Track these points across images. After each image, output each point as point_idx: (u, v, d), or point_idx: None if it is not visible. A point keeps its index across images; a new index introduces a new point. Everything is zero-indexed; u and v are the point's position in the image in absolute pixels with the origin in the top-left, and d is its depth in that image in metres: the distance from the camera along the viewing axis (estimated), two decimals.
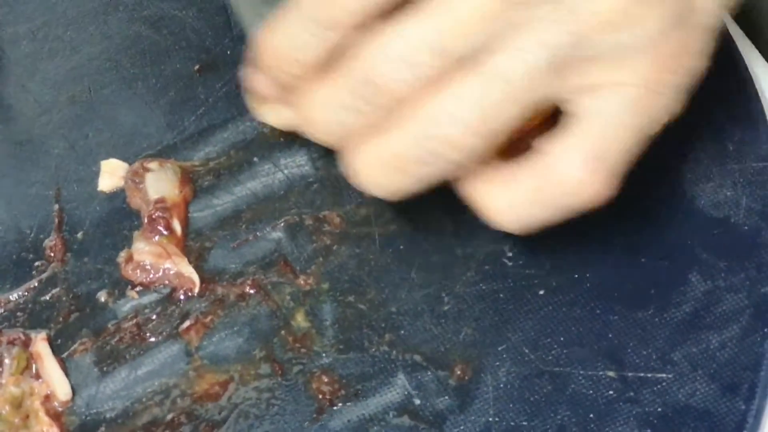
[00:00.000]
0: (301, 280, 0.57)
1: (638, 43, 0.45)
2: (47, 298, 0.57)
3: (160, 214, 0.58)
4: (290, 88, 0.51)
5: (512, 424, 0.52)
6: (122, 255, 0.58)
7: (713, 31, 0.47)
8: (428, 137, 0.46)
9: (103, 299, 0.57)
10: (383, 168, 0.48)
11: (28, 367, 0.55)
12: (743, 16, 0.63)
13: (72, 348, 0.56)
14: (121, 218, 0.59)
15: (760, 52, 0.63)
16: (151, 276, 0.57)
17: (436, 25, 0.45)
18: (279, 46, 0.50)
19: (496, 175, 0.48)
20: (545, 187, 0.47)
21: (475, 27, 0.45)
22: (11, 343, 0.55)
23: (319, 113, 0.49)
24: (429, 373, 0.53)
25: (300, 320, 0.55)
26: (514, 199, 0.48)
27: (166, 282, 0.57)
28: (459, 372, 0.53)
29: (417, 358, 0.54)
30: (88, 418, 0.54)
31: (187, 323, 0.56)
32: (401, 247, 0.57)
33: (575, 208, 0.47)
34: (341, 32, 0.47)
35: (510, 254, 0.56)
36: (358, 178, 0.49)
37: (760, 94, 0.59)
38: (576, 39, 0.45)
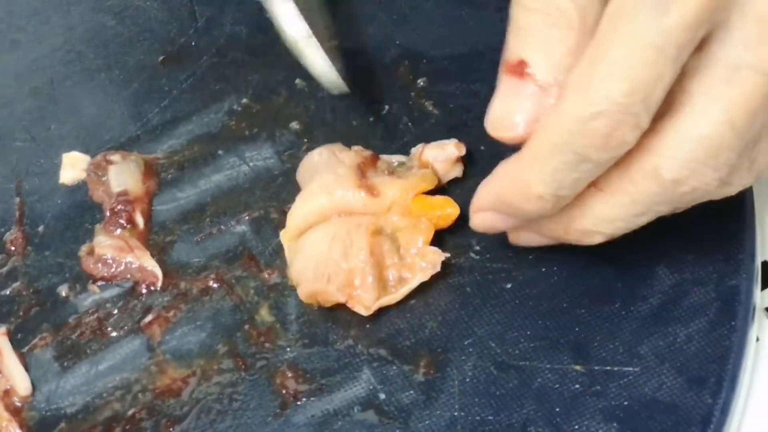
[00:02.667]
0: (265, 274, 0.56)
1: None
2: (7, 292, 0.57)
3: (123, 207, 0.57)
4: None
5: (478, 418, 0.51)
6: (84, 249, 0.57)
7: None
8: None
9: (64, 293, 0.56)
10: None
11: None
12: None
13: (32, 343, 0.55)
14: (83, 211, 0.58)
15: None
16: (113, 270, 0.56)
17: (727, 118, 0.44)
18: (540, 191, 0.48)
19: None
20: None
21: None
22: None
23: (612, 228, 0.49)
24: (394, 367, 0.53)
25: (264, 314, 0.55)
26: None
27: (128, 276, 0.56)
28: (424, 366, 0.53)
29: (382, 352, 0.53)
30: (48, 413, 0.53)
31: (149, 318, 0.55)
32: None
33: None
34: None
35: (477, 248, 0.56)
36: None
37: None
38: None
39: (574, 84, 0.44)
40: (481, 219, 0.51)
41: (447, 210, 0.55)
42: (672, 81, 0.44)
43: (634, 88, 0.43)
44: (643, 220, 0.48)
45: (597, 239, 0.49)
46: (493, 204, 0.49)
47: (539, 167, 0.46)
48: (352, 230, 0.54)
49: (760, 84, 0.43)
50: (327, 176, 0.55)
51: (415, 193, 0.55)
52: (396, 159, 0.57)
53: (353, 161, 0.55)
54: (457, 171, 0.57)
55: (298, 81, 0.61)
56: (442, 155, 0.56)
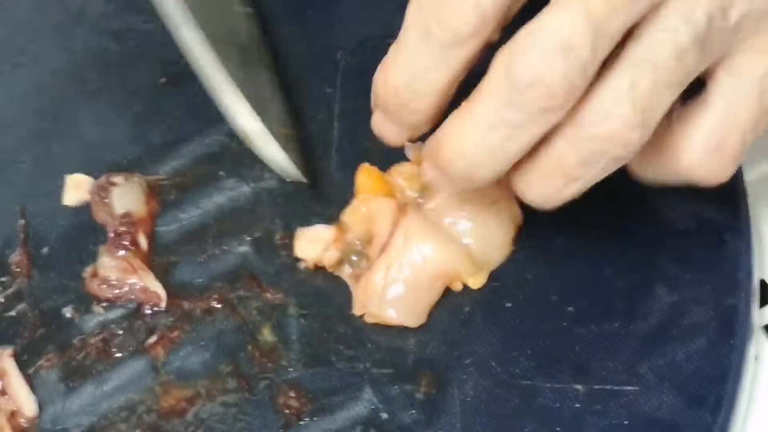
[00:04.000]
0: (267, 294, 0.56)
1: None
2: (13, 313, 0.57)
3: (126, 228, 0.57)
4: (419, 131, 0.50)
5: None
6: (88, 270, 0.57)
7: None
8: (587, 137, 0.45)
9: (68, 315, 0.57)
10: (549, 179, 0.47)
11: None
12: None
13: (38, 364, 0.55)
14: (86, 233, 0.59)
15: None
16: (117, 291, 0.57)
17: (582, 8, 0.43)
18: (396, 80, 0.48)
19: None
20: (666, 165, 0.48)
21: (624, 2, 0.43)
22: None
23: (467, 145, 0.47)
24: (396, 386, 0.53)
25: (266, 334, 0.55)
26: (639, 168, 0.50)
27: (132, 297, 0.57)
28: (426, 385, 0.53)
29: (384, 371, 0.54)
30: None
31: (153, 338, 0.56)
32: None
33: (691, 183, 0.49)
34: (465, 48, 0.46)
35: None
36: (526, 197, 0.48)
37: None
38: (717, 10, 0.44)
39: None
40: (374, 121, 0.52)
41: None
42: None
43: None
44: (502, 139, 0.46)
45: (467, 170, 0.48)
46: (378, 103, 0.50)
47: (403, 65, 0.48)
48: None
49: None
50: None
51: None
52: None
53: None
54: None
55: (298, 102, 0.62)
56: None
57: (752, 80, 0.46)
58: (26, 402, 0.54)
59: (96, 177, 0.60)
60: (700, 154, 0.47)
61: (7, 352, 0.55)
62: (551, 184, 0.47)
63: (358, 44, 0.63)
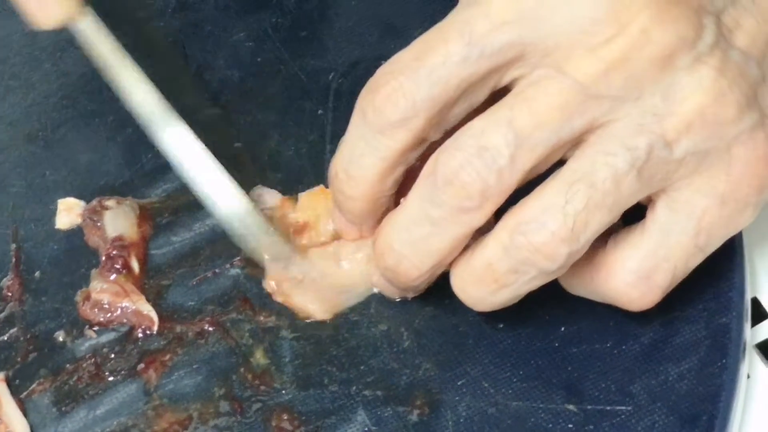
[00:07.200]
0: (260, 317, 0.56)
1: (716, 147, 0.45)
2: (5, 338, 0.57)
3: (118, 252, 0.57)
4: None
5: None
6: (80, 294, 0.57)
7: None
8: (517, 245, 0.46)
9: (61, 339, 0.56)
10: (480, 282, 0.48)
11: None
12: None
13: (30, 388, 0.55)
14: (78, 257, 0.59)
15: None
16: (109, 315, 0.57)
17: (507, 116, 0.45)
18: (337, 163, 0.50)
19: None
20: (594, 283, 0.50)
21: (552, 120, 0.44)
22: None
23: (395, 238, 0.49)
24: (389, 408, 0.53)
25: (259, 357, 0.55)
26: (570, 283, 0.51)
27: (125, 320, 0.57)
28: (419, 407, 0.53)
29: (377, 393, 0.54)
30: None
31: (145, 362, 0.55)
32: None
33: (615, 304, 0.50)
34: (394, 138, 0.47)
35: None
36: (461, 297, 0.50)
37: None
38: (658, 141, 0.45)
39: None
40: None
41: None
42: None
43: None
44: (432, 234, 0.48)
45: (406, 266, 0.50)
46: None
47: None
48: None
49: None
50: None
51: None
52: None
53: None
54: None
55: (291, 124, 0.62)
56: None
57: (690, 218, 0.47)
58: (19, 426, 0.54)
59: (88, 201, 0.60)
60: (628, 279, 0.49)
61: None
62: (482, 288, 0.49)
63: (350, 66, 0.64)
